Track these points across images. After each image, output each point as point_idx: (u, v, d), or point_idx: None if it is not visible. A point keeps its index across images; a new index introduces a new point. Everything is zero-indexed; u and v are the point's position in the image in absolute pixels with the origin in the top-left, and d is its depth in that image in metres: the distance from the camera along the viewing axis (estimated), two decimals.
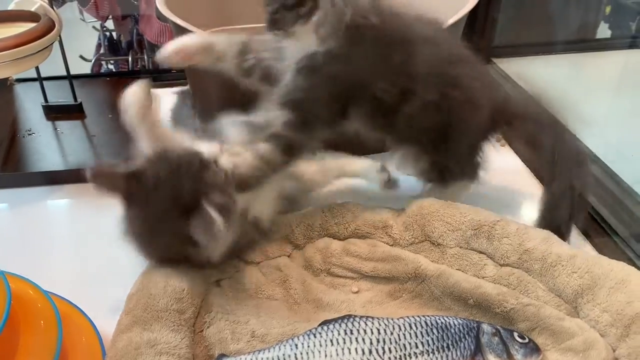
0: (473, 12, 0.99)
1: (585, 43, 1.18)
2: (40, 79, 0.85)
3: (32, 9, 0.70)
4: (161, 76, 1.01)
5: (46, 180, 0.74)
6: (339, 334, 0.47)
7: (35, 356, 0.44)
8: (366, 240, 0.61)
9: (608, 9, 1.25)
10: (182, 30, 0.70)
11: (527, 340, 0.48)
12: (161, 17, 1.01)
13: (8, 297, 0.42)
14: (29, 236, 0.67)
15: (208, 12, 0.78)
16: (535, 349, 0.47)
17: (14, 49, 0.62)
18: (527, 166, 0.79)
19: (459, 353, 0.46)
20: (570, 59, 1.10)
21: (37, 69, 0.83)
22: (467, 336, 0.47)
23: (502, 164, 0.77)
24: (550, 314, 0.51)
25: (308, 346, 0.46)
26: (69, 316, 0.51)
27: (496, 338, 0.47)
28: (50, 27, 0.68)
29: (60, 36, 0.76)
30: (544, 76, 0.98)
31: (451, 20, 0.70)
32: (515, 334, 0.48)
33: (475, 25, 1.02)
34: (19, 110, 0.90)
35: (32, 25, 0.67)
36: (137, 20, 1.15)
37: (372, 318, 0.48)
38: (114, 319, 0.50)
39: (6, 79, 0.96)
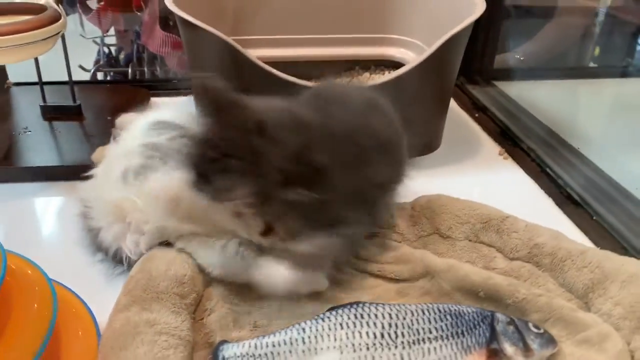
0: (474, 35, 1.02)
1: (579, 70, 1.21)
2: (40, 82, 0.84)
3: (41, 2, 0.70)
4: (160, 85, 1.00)
5: (41, 177, 0.72)
6: (348, 318, 0.45)
7: (27, 334, 0.41)
8: (373, 240, 0.59)
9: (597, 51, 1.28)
10: (190, 28, 0.70)
11: (542, 331, 0.46)
12: (164, 26, 1.01)
13: (3, 267, 0.39)
14: (23, 228, 0.64)
15: (214, 19, 0.78)
16: (551, 339, 0.46)
17: (22, 34, 0.61)
18: (532, 178, 0.77)
19: (474, 340, 0.44)
20: (567, 85, 1.12)
21: (38, 72, 0.82)
22: (481, 323, 0.45)
23: (505, 177, 0.77)
24: (563, 304, 0.49)
25: (316, 330, 0.44)
26: (65, 300, 0.49)
27: (511, 327, 0.46)
28: (57, 17, 0.67)
29: (64, 41, 0.76)
30: (544, 99, 1.00)
31: (456, 30, 0.71)
32: (530, 324, 0.46)
33: (476, 47, 1.04)
34: (15, 110, 0.88)
35: None
36: (139, 35, 1.15)
37: (383, 304, 0.47)
38: (110, 307, 0.47)
39: (3, 82, 0.95)
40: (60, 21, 0.68)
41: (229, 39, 0.68)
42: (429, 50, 0.71)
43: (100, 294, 0.49)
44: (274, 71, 0.68)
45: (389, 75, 0.71)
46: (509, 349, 0.44)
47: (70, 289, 0.51)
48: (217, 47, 0.69)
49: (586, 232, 0.65)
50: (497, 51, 1.06)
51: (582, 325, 0.48)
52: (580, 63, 1.23)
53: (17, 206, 0.68)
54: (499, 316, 0.46)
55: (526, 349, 0.44)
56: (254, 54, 0.70)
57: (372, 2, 0.94)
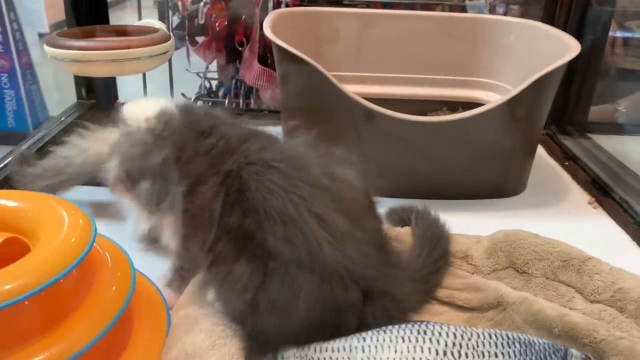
0: (568, 84, 1.00)
1: None
2: None
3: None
4: (252, 115, 1.06)
5: None
6: (411, 332, 0.44)
7: (103, 306, 0.44)
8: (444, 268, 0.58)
9: None
10: (285, 55, 0.74)
11: None
12: (261, 61, 1.07)
13: (93, 234, 0.43)
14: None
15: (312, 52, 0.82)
16: None
17: (136, 49, 0.68)
18: (623, 229, 0.73)
19: None
20: None
21: (144, 92, 0.90)
22: (553, 355, 0.43)
23: (594, 226, 0.73)
24: None
25: (377, 340, 0.44)
26: (143, 287, 0.52)
27: None
28: (167, 38, 0.74)
29: (170, 70, 0.84)
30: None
31: (544, 71, 0.70)
32: None
33: (570, 97, 1.01)
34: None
35: None
36: (238, 70, 1.23)
37: (449, 325, 0.45)
38: None
39: (114, 101, 1.04)
40: (169, 42, 0.75)
41: (325, 71, 0.71)
42: (514, 91, 0.70)
43: None
44: (367, 103, 0.71)
45: (467, 113, 0.71)
46: None
47: (148, 278, 0.54)
48: (311, 79, 0.73)
49: None
50: (592, 103, 1.02)
51: None
52: None
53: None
54: (574, 352, 0.43)
55: None
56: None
57: (463, 45, 0.95)
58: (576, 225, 0.73)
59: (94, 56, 0.67)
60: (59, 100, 1.16)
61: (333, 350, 0.44)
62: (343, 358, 0.43)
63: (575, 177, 0.87)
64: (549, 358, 0.43)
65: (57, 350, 0.39)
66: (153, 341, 0.46)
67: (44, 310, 0.41)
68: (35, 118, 1.52)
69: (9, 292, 0.37)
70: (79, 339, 0.40)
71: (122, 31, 0.77)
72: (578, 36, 0.86)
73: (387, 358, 0.42)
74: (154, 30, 0.76)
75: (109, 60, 0.68)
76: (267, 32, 0.77)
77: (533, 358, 0.42)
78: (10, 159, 0.76)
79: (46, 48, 0.70)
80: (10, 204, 0.46)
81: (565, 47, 0.75)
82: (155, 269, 0.55)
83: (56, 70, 1.49)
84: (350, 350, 0.43)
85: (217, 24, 1.07)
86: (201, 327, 0.45)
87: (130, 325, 0.47)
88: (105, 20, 1.03)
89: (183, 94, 1.22)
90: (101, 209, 0.68)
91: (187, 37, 1.12)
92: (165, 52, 0.74)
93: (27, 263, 0.40)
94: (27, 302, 0.38)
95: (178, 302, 0.50)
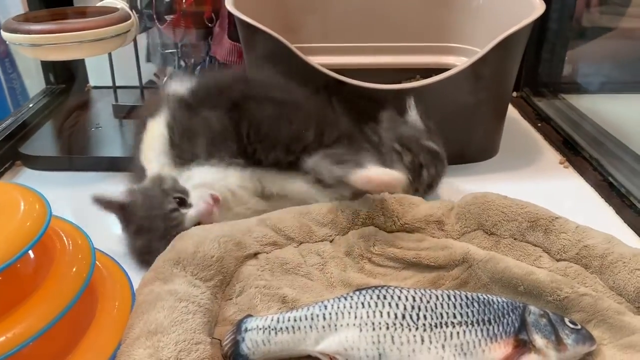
0: (539, 45, 0.99)
1: None
2: (114, 85, 0.91)
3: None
4: None
5: (106, 166, 0.77)
6: (371, 298, 0.44)
7: (63, 288, 0.44)
8: (414, 235, 0.58)
9: None
10: (249, 30, 0.73)
11: (579, 327, 0.43)
12: (232, 37, 1.06)
13: (48, 217, 0.43)
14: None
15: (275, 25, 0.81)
16: (588, 336, 0.43)
17: (97, 29, 0.67)
18: (595, 190, 0.73)
19: (501, 329, 0.42)
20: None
21: (112, 76, 0.89)
22: (511, 313, 0.43)
23: (564, 186, 0.74)
24: (609, 306, 0.46)
25: (338, 307, 0.44)
26: (108, 268, 0.52)
27: (544, 319, 0.43)
28: (127, 17, 0.73)
29: (136, 49, 0.83)
30: (614, 112, 0.95)
31: (508, 32, 0.69)
32: (566, 319, 0.44)
33: (542, 57, 1.01)
34: (91, 109, 0.95)
35: None
36: (210, 46, 1.21)
37: (408, 288, 0.45)
38: None
39: (84, 85, 1.03)
40: (130, 20, 0.73)
41: (288, 43, 0.70)
42: (480, 53, 0.70)
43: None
44: (333, 74, 0.70)
45: (436, 77, 0.71)
46: (539, 340, 0.41)
47: (115, 260, 0.54)
48: (275, 51, 0.72)
49: None
50: (564, 62, 1.02)
51: (629, 329, 0.45)
52: None
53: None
54: (531, 308, 0.44)
55: (559, 343, 0.41)
56: (316, 61, 0.72)
57: (432, 11, 0.94)
58: (547, 185, 0.74)
59: (51, 39, 0.66)
60: (29, 86, 1.15)
61: (295, 320, 0.44)
62: (305, 327, 0.43)
63: (547, 137, 0.87)
64: (507, 315, 0.43)
65: (15, 333, 0.39)
66: (116, 321, 0.46)
67: (2, 293, 0.41)
68: (17, 105, 1.50)
69: None
70: (40, 319, 0.40)
71: (80, 12, 0.76)
72: None
73: (348, 324, 0.43)
74: (115, 10, 0.75)
75: (66, 43, 0.66)
76: (229, 5, 0.76)
77: (492, 317, 0.43)
78: None
79: (3, 34, 0.69)
80: None
81: (532, 8, 0.75)
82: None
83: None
84: (312, 319, 0.44)
85: (184, 1, 1.05)
86: (164, 304, 0.45)
87: (94, 305, 0.47)
88: (70, 2, 1.01)
89: (156, 74, 1.21)
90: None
91: (154, 16, 1.10)
92: (125, 32, 0.73)
93: None
94: None
95: (143, 278, 0.50)
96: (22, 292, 0.42)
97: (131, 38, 0.79)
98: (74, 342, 0.44)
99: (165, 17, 1.15)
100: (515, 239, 0.56)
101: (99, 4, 0.80)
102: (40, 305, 0.41)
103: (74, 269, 0.45)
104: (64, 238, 0.47)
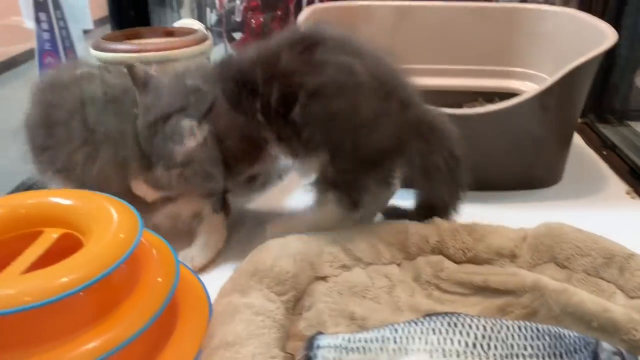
0: (608, 72, 0.98)
1: None
2: None
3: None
4: None
5: None
6: (442, 324, 0.45)
7: (149, 298, 0.46)
8: (484, 267, 0.58)
9: None
10: None
11: None
12: None
13: (140, 229, 0.46)
14: None
15: None
16: None
17: (176, 50, 0.71)
18: None
19: None
20: None
21: None
22: (583, 349, 0.43)
23: (631, 218, 0.73)
24: None
25: (409, 332, 0.45)
26: (187, 280, 0.55)
27: (618, 358, 0.43)
28: (204, 38, 0.76)
29: None
30: None
31: (579, 61, 0.69)
32: None
33: (609, 84, 0.99)
34: None
35: None
36: None
37: (479, 317, 0.46)
38: None
39: None
40: (207, 42, 0.77)
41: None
42: (549, 81, 0.70)
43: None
44: None
45: (502, 104, 0.71)
46: None
47: (192, 270, 0.57)
48: None
49: None
50: (632, 89, 1.00)
51: None
52: None
53: None
54: (605, 345, 0.44)
55: None
56: None
57: (498, 35, 0.95)
58: (612, 216, 0.73)
59: (138, 59, 0.70)
60: None
61: (367, 341, 0.45)
62: (376, 348, 0.45)
63: (613, 166, 0.86)
64: (579, 351, 0.43)
65: (108, 338, 0.42)
66: (196, 330, 0.49)
67: (96, 301, 0.44)
68: None
69: (66, 285, 0.40)
70: (128, 328, 0.43)
71: (163, 32, 0.80)
72: (617, 23, 0.84)
73: (418, 349, 0.44)
74: (192, 31, 0.79)
75: (152, 63, 0.71)
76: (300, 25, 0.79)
77: (563, 351, 0.43)
78: None
79: (93, 52, 0.74)
80: (65, 202, 0.50)
81: (602, 36, 0.74)
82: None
83: None
84: (383, 341, 0.45)
85: (252, 21, 1.09)
86: (241, 317, 0.47)
87: (175, 315, 0.50)
88: (146, 18, 1.07)
89: None
90: None
91: (224, 34, 1.15)
92: (203, 52, 0.77)
93: (81, 257, 0.43)
94: (81, 294, 0.41)
95: (221, 289, 0.52)
96: (115, 299, 0.45)
97: (206, 57, 0.82)
98: (160, 348, 0.46)
99: (234, 35, 1.20)
100: (588, 274, 0.55)
101: (175, 24, 0.85)
102: (130, 314, 0.44)
103: (160, 279, 0.48)
104: (151, 249, 0.51)
